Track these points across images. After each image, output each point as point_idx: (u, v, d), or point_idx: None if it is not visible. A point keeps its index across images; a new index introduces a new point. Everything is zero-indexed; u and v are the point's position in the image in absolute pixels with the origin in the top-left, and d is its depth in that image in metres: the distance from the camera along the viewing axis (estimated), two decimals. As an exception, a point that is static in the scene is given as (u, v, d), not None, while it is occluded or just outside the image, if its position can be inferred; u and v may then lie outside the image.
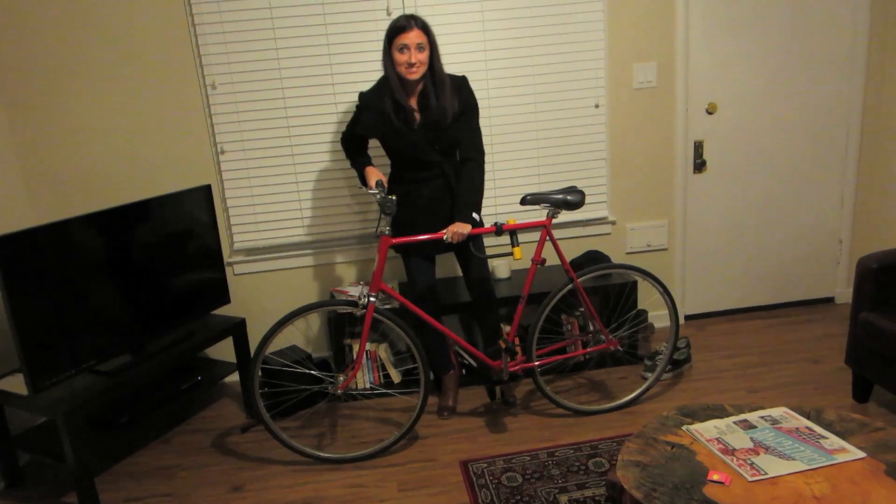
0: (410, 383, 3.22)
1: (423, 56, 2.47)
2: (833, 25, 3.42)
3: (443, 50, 3.17)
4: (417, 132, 2.62)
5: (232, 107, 3.14)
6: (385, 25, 3.11)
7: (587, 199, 3.47)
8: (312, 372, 3.03)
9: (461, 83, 2.65)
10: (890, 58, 3.45)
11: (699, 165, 3.54)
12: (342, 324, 3.12)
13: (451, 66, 3.20)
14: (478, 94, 3.24)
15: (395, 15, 3.11)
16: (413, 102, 2.61)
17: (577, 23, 3.23)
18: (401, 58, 2.45)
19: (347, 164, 3.28)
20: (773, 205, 3.65)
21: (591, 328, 3.16)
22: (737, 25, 3.36)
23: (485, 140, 3.31)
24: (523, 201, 2.62)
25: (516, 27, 3.20)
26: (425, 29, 2.45)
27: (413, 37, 2.43)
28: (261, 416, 2.58)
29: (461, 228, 2.55)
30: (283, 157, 3.23)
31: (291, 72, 3.13)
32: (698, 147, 3.51)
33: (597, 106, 3.36)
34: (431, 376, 3.23)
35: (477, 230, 2.60)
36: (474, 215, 2.62)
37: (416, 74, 2.49)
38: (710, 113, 3.47)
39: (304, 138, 3.22)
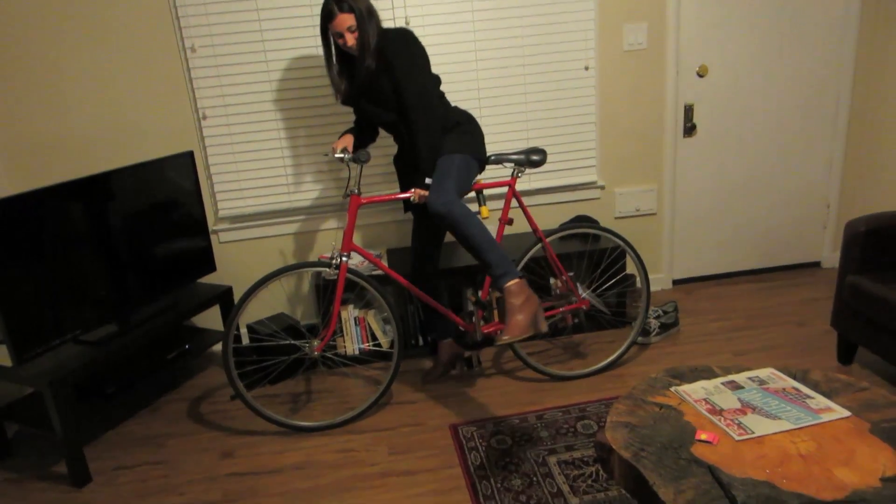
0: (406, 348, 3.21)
1: (356, 35, 2.46)
2: (825, -15, 3.37)
3: (430, 10, 3.11)
4: (366, 99, 2.59)
5: (213, 70, 3.05)
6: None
7: (576, 164, 3.45)
8: (285, 341, 3.02)
9: (383, 35, 2.49)
10: (882, 22, 3.40)
11: (689, 129, 3.51)
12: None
13: (438, 27, 3.14)
14: (466, 56, 3.20)
15: (379, -26, 3.03)
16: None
17: (566, -18, 3.16)
18: (338, 41, 2.48)
19: (333, 129, 3.23)
20: (761, 169, 3.64)
21: (561, 288, 3.20)
22: (728, -15, 3.30)
23: (473, 103, 3.28)
24: (487, 161, 2.62)
25: (504, -13, 3.13)
26: (352, 9, 2.40)
27: (341, 22, 2.40)
28: (236, 388, 2.57)
29: (425, 191, 2.52)
30: (267, 122, 3.16)
31: (274, 34, 3.04)
32: (688, 110, 3.48)
33: (586, 68, 3.30)
34: (429, 339, 3.24)
35: None
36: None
37: (356, 51, 2.49)
38: (700, 76, 3.43)
39: (289, 102, 3.15)
